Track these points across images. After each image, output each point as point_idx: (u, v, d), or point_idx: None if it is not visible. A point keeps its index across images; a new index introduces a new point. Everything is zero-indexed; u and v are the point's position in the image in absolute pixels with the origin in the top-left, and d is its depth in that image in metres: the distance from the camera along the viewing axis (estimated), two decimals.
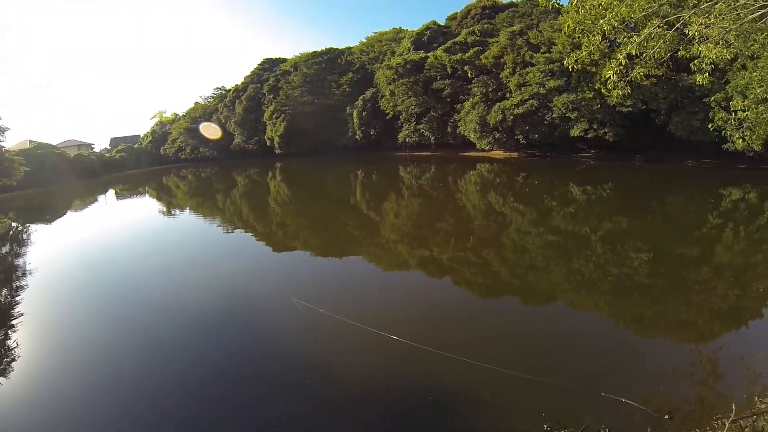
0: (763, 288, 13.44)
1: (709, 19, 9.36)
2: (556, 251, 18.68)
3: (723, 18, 9.42)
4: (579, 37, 11.37)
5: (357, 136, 70.40)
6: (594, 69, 38.49)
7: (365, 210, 30.87)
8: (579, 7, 10.32)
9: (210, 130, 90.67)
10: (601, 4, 9.96)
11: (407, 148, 64.73)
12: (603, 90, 36.24)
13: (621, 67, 10.67)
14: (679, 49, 10.78)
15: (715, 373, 9.16)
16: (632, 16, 9.75)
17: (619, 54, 10.52)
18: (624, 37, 10.47)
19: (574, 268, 16.38)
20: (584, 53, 10.90)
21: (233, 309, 14.11)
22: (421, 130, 60.92)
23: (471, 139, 52.79)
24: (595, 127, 39.55)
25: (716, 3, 9.21)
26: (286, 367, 10.29)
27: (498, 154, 51.74)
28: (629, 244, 18.14)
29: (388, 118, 66.05)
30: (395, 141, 65.52)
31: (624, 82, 11.01)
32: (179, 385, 9.92)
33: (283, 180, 55.57)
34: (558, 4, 11.10)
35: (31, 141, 77.25)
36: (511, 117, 45.85)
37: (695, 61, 10.93)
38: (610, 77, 10.84)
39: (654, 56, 10.25)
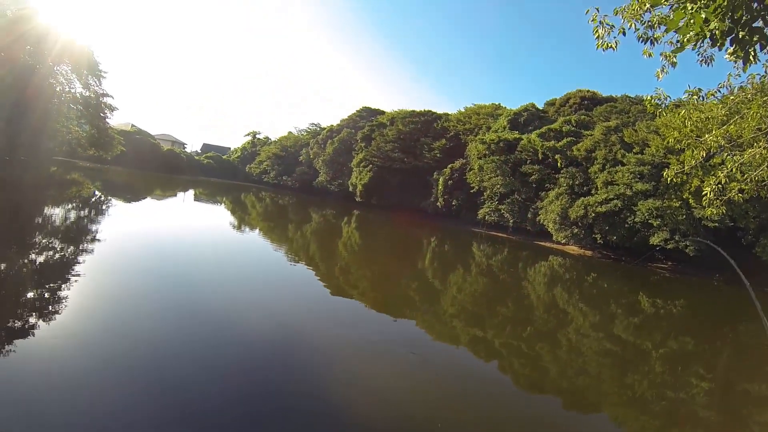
0: None
1: None
2: (612, 360, 18.10)
3: None
4: (678, 146, 11.25)
5: (438, 203, 70.84)
6: (685, 177, 37.88)
7: (430, 277, 30.83)
8: (686, 119, 10.28)
9: None
10: (708, 117, 9.89)
11: (485, 225, 64.47)
12: (691, 201, 35.39)
13: (719, 186, 10.51)
14: None
15: None
16: (741, 134, 9.64)
17: (720, 172, 10.37)
18: (727, 155, 10.34)
19: (627, 382, 15.80)
20: (687, 167, 10.83)
21: (279, 339, 14.29)
22: (502, 211, 60.69)
23: (549, 230, 52.18)
24: (677, 238, 38.39)
25: None
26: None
27: (573, 249, 50.85)
28: (691, 368, 17.39)
29: (472, 191, 66.21)
30: (474, 216, 65.40)
31: (720, 201, 10.82)
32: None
33: (357, 228, 56.30)
34: (662, 109, 11.06)
35: (132, 125, 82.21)
36: (593, 214, 45.14)
37: None
38: (707, 194, 10.66)
39: (755, 178, 10.06)
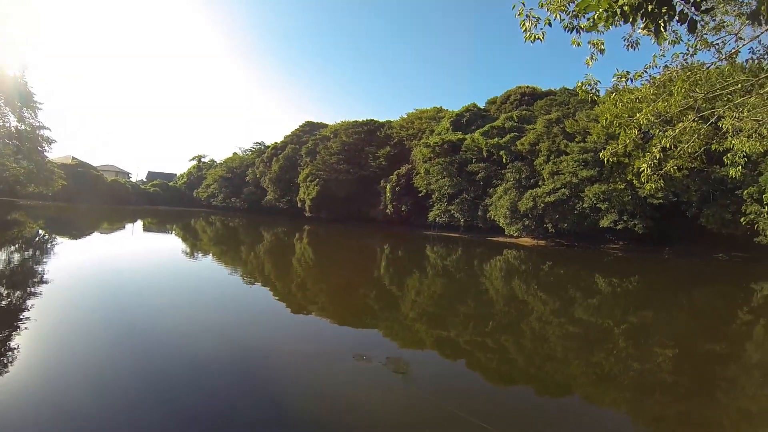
0: None
1: (743, 113, 9.43)
2: (577, 342, 18.20)
3: (756, 111, 9.48)
4: (615, 129, 11.42)
5: (388, 210, 70.89)
6: (627, 160, 38.69)
7: (387, 284, 30.63)
8: (617, 101, 10.42)
9: None
10: (638, 98, 10.04)
11: (436, 227, 64.76)
12: (635, 181, 36.39)
13: (655, 161, 10.68)
14: (712, 143, 10.81)
15: None
16: (669, 110, 9.81)
17: (653, 148, 10.57)
18: (659, 131, 10.53)
19: (594, 361, 15.88)
20: (620, 146, 10.99)
21: (241, 362, 13.85)
22: (452, 211, 61.08)
23: (500, 225, 52.79)
24: (625, 219, 39.40)
25: (750, 97, 9.27)
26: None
27: (526, 241, 51.48)
28: (653, 338, 17.68)
29: (420, 195, 66.54)
30: (425, 219, 65.69)
31: (657, 175, 10.99)
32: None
33: (310, 243, 55.79)
34: (596, 95, 11.17)
35: (73, 158, 79.91)
36: (542, 205, 45.86)
37: (728, 155, 10.99)
38: (644, 170, 10.81)
39: (688, 150, 10.27)
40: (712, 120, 9.79)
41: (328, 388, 12.12)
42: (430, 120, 79.54)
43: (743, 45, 9.37)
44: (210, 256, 39.86)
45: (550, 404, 12.78)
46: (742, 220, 28.54)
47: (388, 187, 71.99)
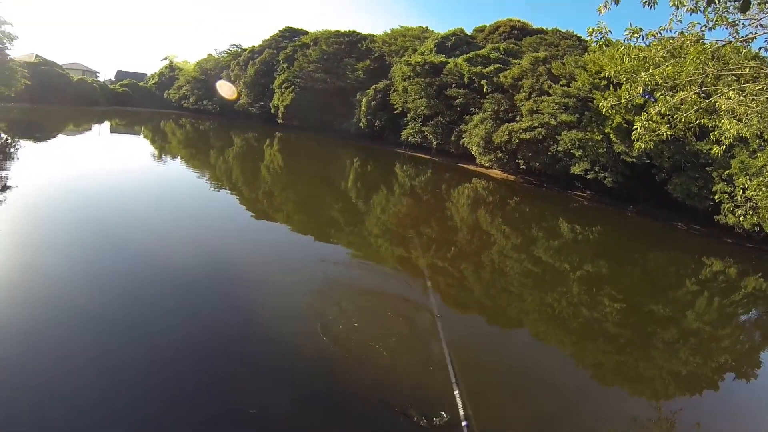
0: (723, 361, 13.63)
1: (743, 98, 9.44)
2: (533, 281, 18.75)
3: (754, 99, 9.52)
4: (600, 80, 11.42)
5: (361, 124, 69.78)
6: (610, 113, 38.77)
7: (354, 198, 30.75)
8: (625, 56, 10.27)
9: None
10: (648, 57, 9.92)
11: (408, 146, 64.26)
12: (612, 135, 36.43)
13: (651, 122, 10.72)
14: (704, 117, 10.87)
15: None
16: (678, 78, 9.74)
17: (652, 110, 10.52)
18: (661, 94, 10.46)
19: (547, 301, 16.43)
20: (623, 101, 10.91)
21: (199, 271, 13.95)
22: (426, 133, 60.46)
23: (472, 153, 52.51)
24: (597, 170, 39.51)
25: (757, 85, 9.29)
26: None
27: (496, 173, 51.66)
28: (605, 290, 18.26)
29: (395, 113, 65.43)
30: (398, 137, 64.91)
31: (649, 137, 11.05)
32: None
33: (280, 150, 55.24)
34: (598, 46, 10.92)
35: (37, 56, 75.81)
36: (517, 140, 45.73)
37: (715, 132, 11.02)
38: (637, 128, 10.86)
39: (684, 120, 10.29)
40: (714, 98, 9.77)
41: (287, 298, 12.40)
42: (414, 39, 77.25)
43: (762, 33, 9.25)
44: (178, 159, 39.25)
45: (499, 334, 13.33)
46: (715, 197, 29.23)
47: (364, 100, 69.77)
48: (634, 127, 11.03)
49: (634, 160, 36.68)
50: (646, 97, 11.05)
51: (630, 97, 10.53)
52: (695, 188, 34.04)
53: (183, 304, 11.48)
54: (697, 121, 10.57)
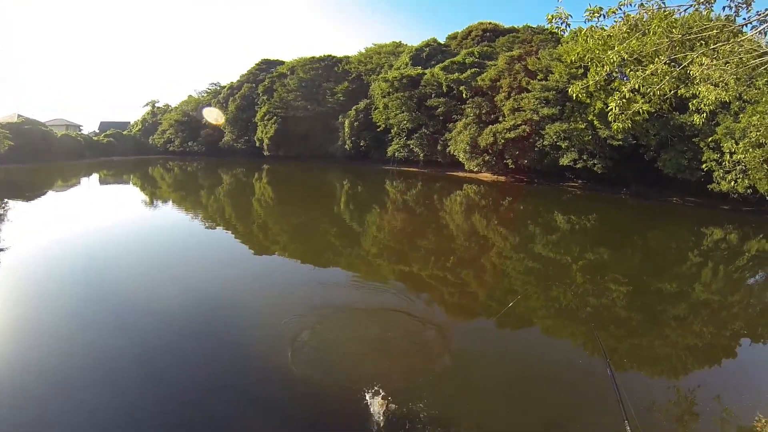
0: (737, 328, 13.53)
1: (713, 61, 9.38)
2: (536, 278, 18.63)
3: (726, 62, 9.47)
4: (577, 69, 11.38)
5: (347, 146, 70.00)
6: (588, 100, 38.87)
7: (348, 221, 30.64)
8: (588, 36, 10.26)
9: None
10: (611, 35, 9.89)
11: (395, 162, 64.38)
12: (596, 122, 36.55)
13: (624, 100, 10.62)
14: (680, 88, 10.78)
15: (692, 411, 9.17)
16: (643, 49, 9.69)
17: (624, 87, 10.43)
18: (630, 71, 10.40)
19: (553, 295, 16.31)
20: (591, 82, 10.81)
21: (199, 313, 13.81)
22: (411, 146, 60.66)
23: (460, 160, 52.68)
24: (585, 158, 39.62)
25: (726, 45, 9.24)
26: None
27: (486, 176, 51.75)
28: (609, 276, 18.13)
29: (379, 130, 65.70)
30: (384, 154, 65.13)
31: (626, 115, 10.96)
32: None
33: (269, 183, 55.22)
34: (561, 33, 10.93)
35: (19, 116, 75.88)
36: (502, 141, 45.87)
37: (694, 101, 10.94)
38: (612, 109, 10.76)
39: (658, 92, 10.20)
40: (685, 64, 9.69)
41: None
42: (389, 55, 77.86)
43: None
44: (170, 203, 39.17)
45: (511, 336, 13.17)
46: (703, 167, 29.38)
47: (346, 122, 70.52)
48: (609, 108, 10.94)
49: (620, 142, 36.79)
50: (621, 78, 11.03)
51: (598, 78, 10.46)
52: (685, 161, 34.13)
53: (173, 346, 11.36)
54: (672, 92, 10.47)
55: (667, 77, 9.83)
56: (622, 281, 17.38)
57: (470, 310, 15.04)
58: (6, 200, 37.77)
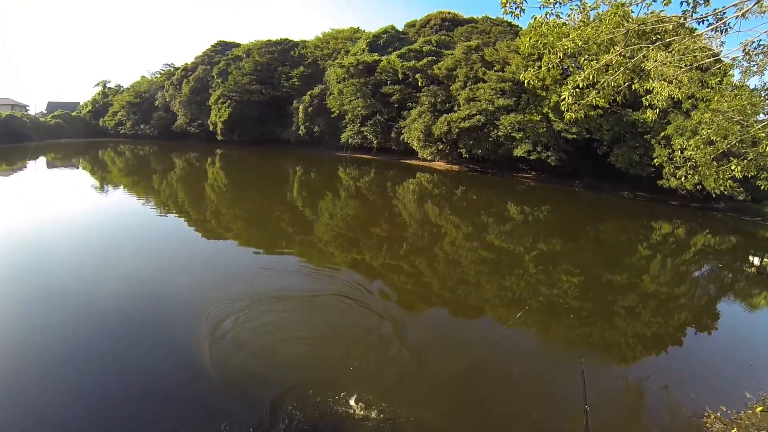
0: (683, 318, 13.87)
1: (668, 57, 9.40)
2: (489, 267, 18.70)
3: (680, 58, 9.53)
4: (534, 61, 11.30)
5: (300, 132, 69.26)
6: (544, 93, 39.30)
7: (300, 207, 30.30)
8: (542, 23, 10.16)
9: None
10: (566, 23, 9.81)
11: (349, 149, 64.08)
12: (551, 115, 36.94)
13: (578, 90, 10.55)
14: (634, 81, 10.79)
15: (641, 402, 9.36)
16: (598, 38, 9.62)
17: (577, 76, 10.35)
18: (585, 60, 10.35)
19: (506, 285, 16.42)
20: (543, 69, 10.74)
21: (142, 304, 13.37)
22: (365, 133, 60.38)
23: (414, 148, 52.61)
24: (539, 150, 39.99)
25: (683, 39, 9.27)
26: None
27: (439, 165, 51.90)
28: (561, 266, 18.33)
29: (333, 116, 65.17)
30: (338, 141, 64.65)
31: (579, 105, 10.89)
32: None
33: (222, 168, 54.28)
34: (514, 19, 10.80)
35: None
36: (457, 130, 45.96)
37: (647, 97, 10.99)
38: (565, 98, 10.67)
39: (611, 83, 10.17)
40: (639, 56, 9.68)
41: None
42: (346, 40, 77.16)
43: None
44: (121, 188, 38.05)
45: (463, 325, 13.16)
46: (654, 162, 30.04)
47: (300, 108, 69.74)
48: (562, 97, 10.88)
49: (575, 136, 37.31)
50: (576, 70, 11.03)
51: (551, 65, 10.39)
52: (636, 157, 34.87)
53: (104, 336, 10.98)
54: (626, 84, 10.45)
55: (622, 68, 9.82)
56: (574, 272, 17.59)
57: (421, 299, 14.97)
58: None
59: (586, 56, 10.24)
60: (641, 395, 9.55)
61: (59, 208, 27.07)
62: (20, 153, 63.24)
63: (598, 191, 37.08)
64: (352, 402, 8.42)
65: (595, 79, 10.20)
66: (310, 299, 13.39)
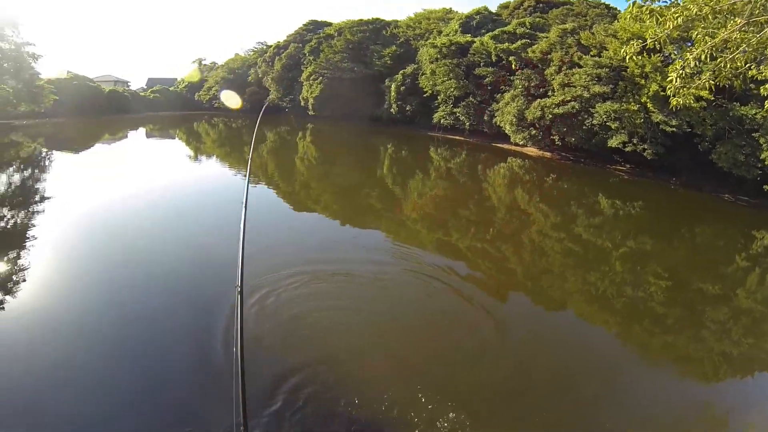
0: None
1: None
2: (575, 260, 18.44)
3: None
4: (645, 17, 9.83)
5: (392, 110, 69.54)
6: (643, 81, 37.44)
7: (390, 184, 30.68)
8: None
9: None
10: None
11: (440, 129, 63.64)
12: (649, 105, 34.87)
13: (688, 70, 9.24)
14: (759, 64, 9.46)
15: (716, 424, 8.89)
16: (717, 5, 8.39)
17: (688, 54, 9.10)
18: (697, 34, 9.13)
19: (590, 280, 16.16)
20: (650, 40, 9.60)
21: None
22: (457, 114, 59.75)
23: (506, 132, 51.68)
24: (635, 142, 38.10)
25: None
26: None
27: (531, 151, 50.82)
28: (650, 267, 17.71)
29: (425, 96, 64.90)
30: (430, 120, 64.38)
31: (688, 88, 9.81)
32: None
33: (313, 142, 55.45)
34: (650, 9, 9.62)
35: (69, 72, 77.49)
36: (550, 116, 44.82)
37: (766, 86, 9.83)
38: (672, 79, 9.58)
39: (728, 65, 8.94)
40: (766, 31, 8.19)
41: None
42: (438, 21, 76.78)
43: None
44: (214, 158, 39.70)
45: (544, 316, 13.15)
46: (766, 163, 27.24)
47: (393, 86, 69.59)
48: (669, 78, 9.72)
49: (674, 129, 35.04)
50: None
51: (658, 37, 9.25)
52: (742, 156, 32.18)
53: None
54: (747, 66, 9.04)
55: (743, 46, 8.57)
56: (662, 275, 16.88)
57: (505, 286, 15.00)
58: (54, 151, 38.92)
59: (701, 29, 8.99)
60: (716, 415, 9.20)
61: (154, 176, 28.75)
62: (121, 125, 66.99)
63: (696, 190, 34.60)
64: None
65: (708, 59, 9.01)
66: (389, 275, 13.75)
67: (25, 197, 23.15)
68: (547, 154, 48.26)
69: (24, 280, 12.50)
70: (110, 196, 22.65)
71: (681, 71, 9.22)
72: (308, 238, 18.06)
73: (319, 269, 13.73)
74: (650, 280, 16.16)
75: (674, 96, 9.89)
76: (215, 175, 31.49)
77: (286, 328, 10.53)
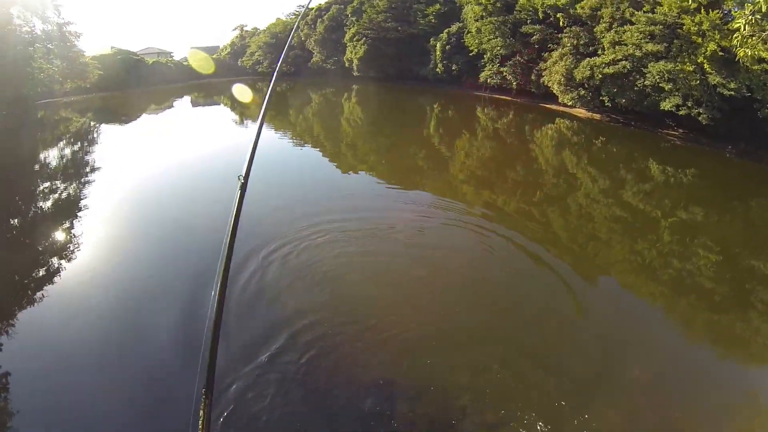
0: None
1: None
2: (622, 227, 18.16)
3: None
4: (690, 2, 9.03)
5: (438, 69, 68.67)
6: (699, 40, 35.44)
7: (436, 144, 30.59)
8: None
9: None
10: None
11: (487, 89, 62.58)
12: (706, 65, 33.03)
13: (759, 15, 8.41)
14: None
15: (761, 411, 8.55)
16: None
17: None
18: None
19: (637, 249, 15.88)
20: None
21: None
22: (504, 73, 58.54)
23: (554, 92, 50.43)
24: (690, 105, 36.17)
25: None
26: None
27: (580, 112, 49.56)
28: (700, 240, 17.14)
29: (471, 55, 63.70)
30: (476, 80, 63.27)
31: (758, 38, 9.00)
32: None
33: (358, 103, 55.36)
34: None
35: (112, 47, 79.19)
36: (600, 76, 43.46)
37: None
38: (740, 26, 8.84)
39: None
40: None
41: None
42: None
43: None
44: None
45: (586, 282, 13.04)
46: None
47: (438, 45, 68.53)
48: (737, 25, 8.95)
49: (733, 92, 32.79)
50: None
51: None
52: None
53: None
54: None
55: None
56: (713, 248, 16.23)
57: (551, 247, 15.08)
58: (100, 124, 40.24)
59: None
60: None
61: (200, 141, 29.45)
62: (167, 95, 68.39)
63: (755, 160, 32.11)
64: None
65: None
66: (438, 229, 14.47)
67: (76, 169, 24.21)
68: (596, 116, 46.99)
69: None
70: (154, 168, 23.54)
71: (750, 17, 8.54)
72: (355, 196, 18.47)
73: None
74: (699, 252, 15.71)
75: (741, 46, 9.19)
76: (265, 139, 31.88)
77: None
